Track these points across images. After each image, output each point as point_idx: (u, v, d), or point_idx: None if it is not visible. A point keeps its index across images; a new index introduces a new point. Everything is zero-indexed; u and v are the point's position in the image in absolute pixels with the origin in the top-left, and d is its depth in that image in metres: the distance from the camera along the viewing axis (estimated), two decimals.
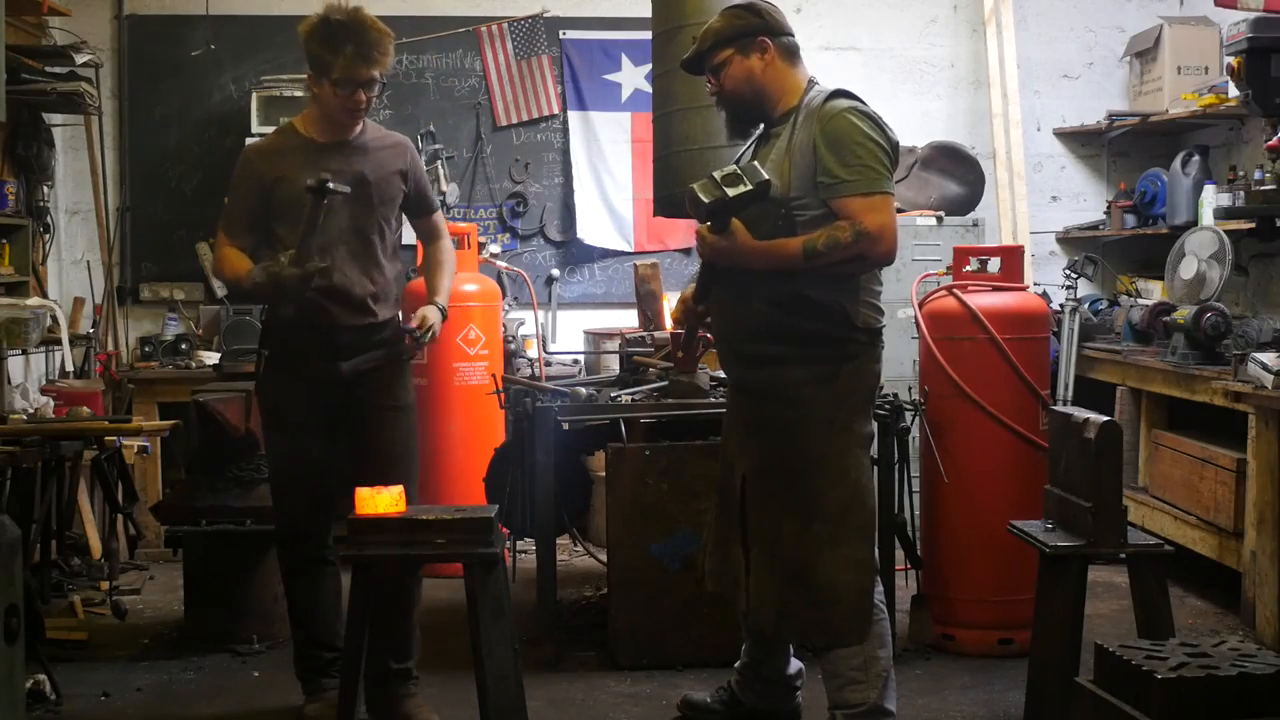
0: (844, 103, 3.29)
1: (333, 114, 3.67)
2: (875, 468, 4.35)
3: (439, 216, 4.05)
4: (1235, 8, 5.09)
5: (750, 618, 3.42)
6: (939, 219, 6.08)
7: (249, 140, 6.19)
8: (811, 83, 3.42)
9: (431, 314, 3.84)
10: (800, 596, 3.26)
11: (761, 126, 3.47)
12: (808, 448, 3.25)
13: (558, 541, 4.57)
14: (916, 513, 4.61)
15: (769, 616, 3.33)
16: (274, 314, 3.77)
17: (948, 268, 4.91)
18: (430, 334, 3.81)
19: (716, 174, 3.17)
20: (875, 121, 3.26)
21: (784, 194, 3.23)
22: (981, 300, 4.45)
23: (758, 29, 3.39)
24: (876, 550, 3.43)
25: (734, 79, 3.39)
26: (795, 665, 3.74)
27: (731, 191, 3.14)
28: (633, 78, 6.65)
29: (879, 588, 3.38)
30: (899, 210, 6.00)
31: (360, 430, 3.76)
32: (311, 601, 3.86)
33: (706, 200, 3.15)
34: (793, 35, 3.46)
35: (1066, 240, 6.88)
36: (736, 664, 3.76)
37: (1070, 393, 5.73)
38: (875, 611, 3.32)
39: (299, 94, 6.24)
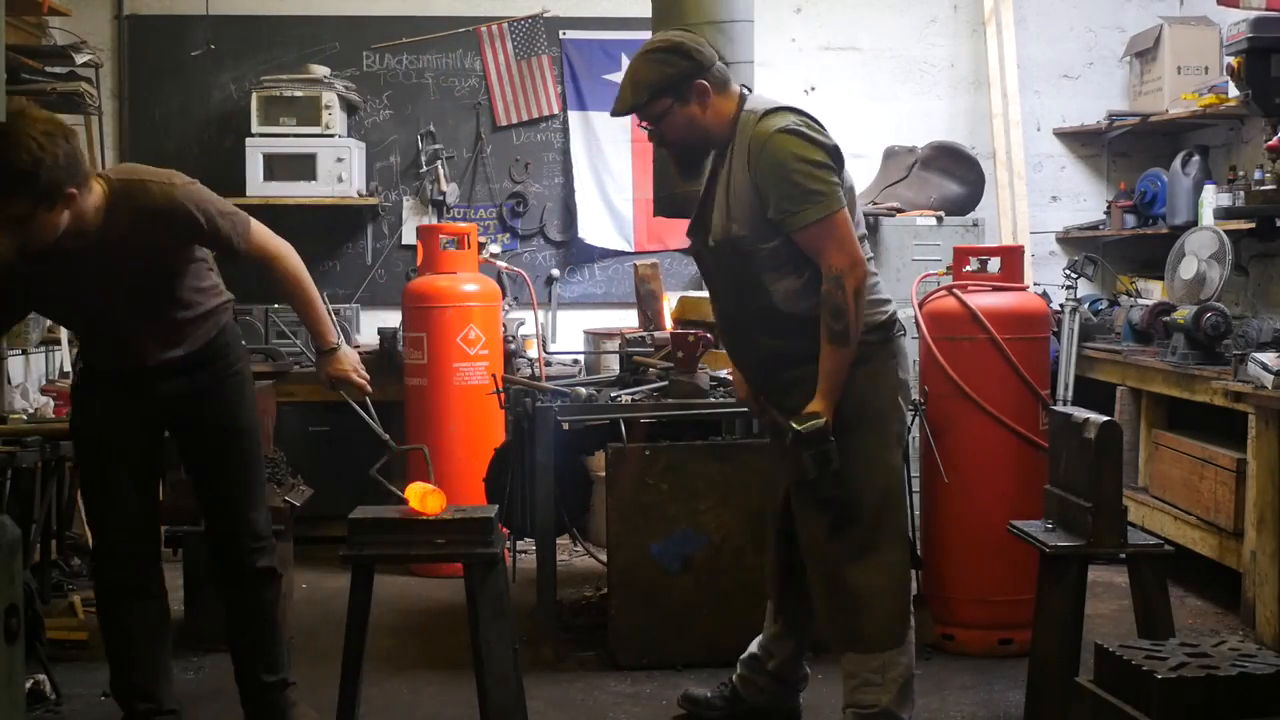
0: (771, 123, 3.18)
1: None
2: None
3: (243, 243, 3.29)
4: (1237, 6, 5.09)
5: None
6: (939, 219, 6.07)
7: (249, 140, 6.22)
8: (742, 99, 3.29)
9: (335, 368, 3.43)
10: (838, 601, 3.28)
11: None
12: (842, 455, 3.22)
13: (558, 541, 4.57)
14: (916, 513, 4.61)
15: (821, 624, 3.39)
16: (82, 354, 3.53)
17: (948, 268, 4.91)
18: (354, 389, 3.45)
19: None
20: (805, 135, 3.16)
21: (728, 235, 3.21)
22: (981, 300, 4.44)
23: (692, 73, 3.23)
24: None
25: (677, 129, 3.28)
26: (804, 669, 3.75)
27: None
28: None
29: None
30: (899, 210, 6.02)
31: (193, 456, 3.52)
32: (128, 641, 3.50)
33: (815, 473, 3.16)
34: (717, 61, 3.30)
35: (1066, 240, 6.88)
36: (742, 656, 3.76)
37: (1070, 393, 5.72)
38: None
39: (299, 94, 6.25)
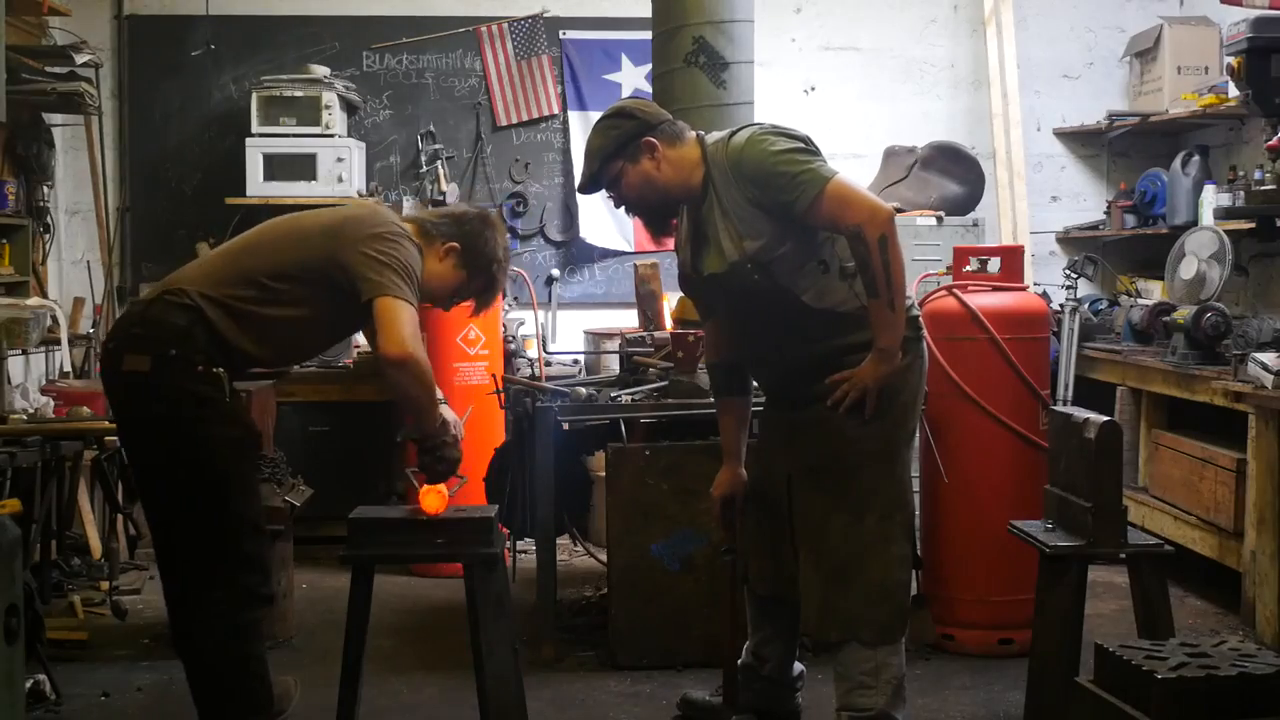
0: (740, 136, 3.28)
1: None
2: None
3: (369, 295, 3.20)
4: (1240, 5, 5.09)
5: (803, 622, 3.44)
6: (939, 219, 6.07)
7: (249, 140, 6.21)
8: (702, 142, 3.36)
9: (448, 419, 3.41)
10: (848, 592, 3.27)
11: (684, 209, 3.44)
12: (863, 444, 3.27)
13: (558, 541, 4.57)
14: (917, 513, 4.61)
15: (812, 615, 3.35)
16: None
17: (948, 268, 4.91)
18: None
19: None
20: (771, 132, 3.27)
21: (743, 256, 3.23)
22: (981, 300, 4.44)
23: (637, 132, 3.33)
24: None
25: (633, 188, 3.36)
26: (797, 668, 3.74)
27: None
28: (633, 78, 6.65)
29: None
30: (899, 210, 6.00)
31: None
32: (263, 654, 3.39)
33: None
34: (668, 119, 3.39)
35: (1066, 240, 6.88)
36: (738, 662, 3.76)
37: (1070, 393, 5.72)
38: None
39: (299, 94, 6.25)
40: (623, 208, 3.45)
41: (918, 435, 4.49)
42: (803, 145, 3.24)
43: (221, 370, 3.21)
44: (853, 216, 3.15)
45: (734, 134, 3.31)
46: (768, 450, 3.56)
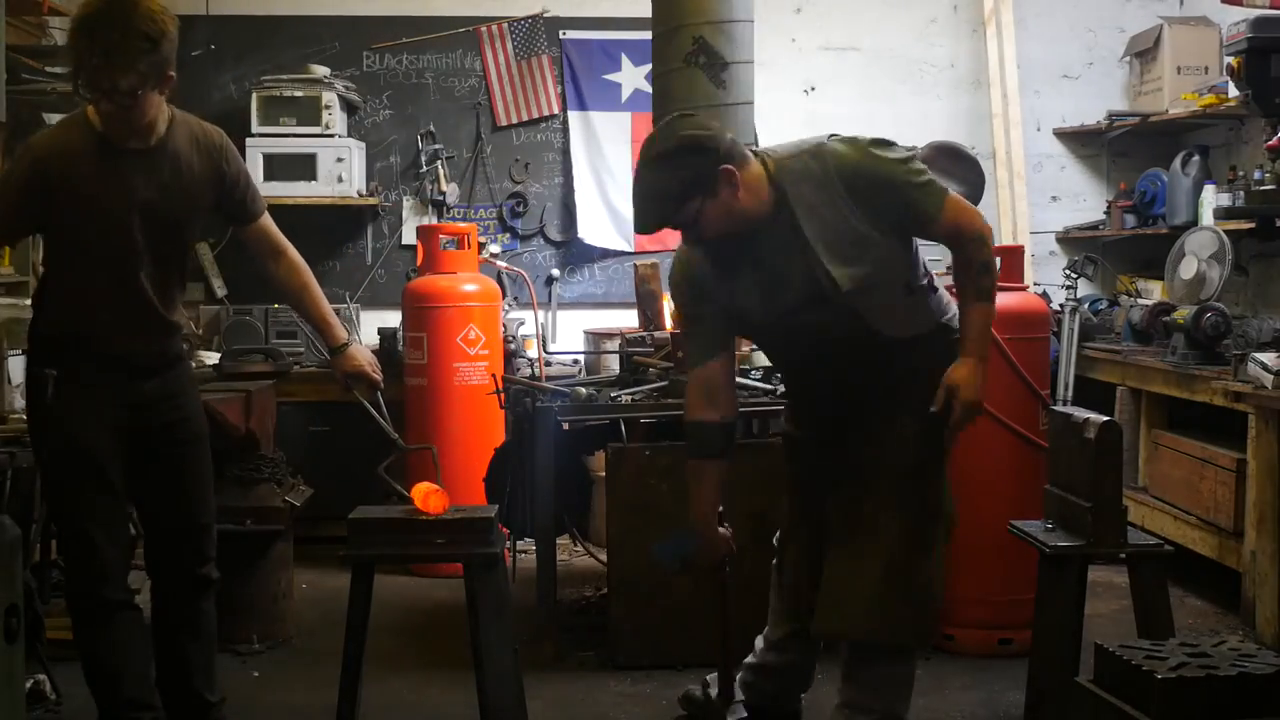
0: (840, 147, 3.08)
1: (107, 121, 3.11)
2: None
3: (258, 212, 3.41)
4: (1240, 4, 5.09)
5: (822, 621, 3.25)
6: None
7: (249, 140, 6.20)
8: (764, 160, 3.09)
9: (351, 364, 3.44)
10: (899, 595, 3.16)
11: None
12: (918, 448, 3.21)
13: (558, 541, 4.57)
14: None
15: (859, 616, 3.16)
16: (63, 328, 3.29)
17: (948, 267, 4.89)
18: (368, 385, 3.44)
19: None
20: (876, 141, 3.15)
21: (854, 285, 3.05)
22: None
23: (714, 163, 2.98)
24: None
25: (714, 222, 3.02)
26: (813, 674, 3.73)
27: None
28: (633, 78, 6.65)
29: None
30: None
31: (165, 466, 3.36)
32: (125, 656, 3.35)
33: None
34: (731, 138, 3.08)
35: (1066, 240, 6.88)
36: (746, 659, 3.74)
37: (1070, 393, 5.73)
38: None
39: (299, 94, 6.24)
40: (695, 242, 3.14)
41: None
42: (911, 156, 3.20)
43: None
44: (978, 221, 3.18)
45: (817, 146, 3.07)
46: (805, 456, 3.42)
